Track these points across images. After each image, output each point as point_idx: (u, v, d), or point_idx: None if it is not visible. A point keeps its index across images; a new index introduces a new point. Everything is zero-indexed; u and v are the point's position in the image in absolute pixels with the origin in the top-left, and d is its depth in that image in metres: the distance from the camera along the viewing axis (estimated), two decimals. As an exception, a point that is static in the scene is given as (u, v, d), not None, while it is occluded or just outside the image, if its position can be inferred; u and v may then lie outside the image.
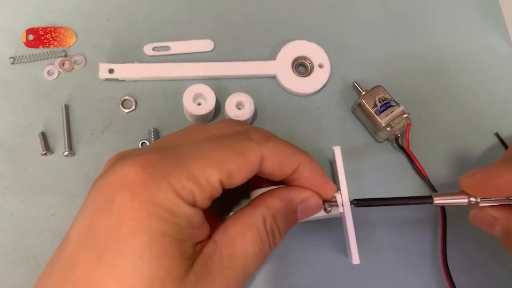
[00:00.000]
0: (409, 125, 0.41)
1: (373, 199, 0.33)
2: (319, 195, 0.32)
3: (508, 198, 0.31)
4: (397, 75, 0.45)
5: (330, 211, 0.32)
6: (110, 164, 0.29)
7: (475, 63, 0.47)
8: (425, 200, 0.32)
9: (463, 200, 0.32)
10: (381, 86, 0.41)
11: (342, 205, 0.32)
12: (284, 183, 0.32)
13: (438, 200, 0.32)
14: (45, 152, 0.40)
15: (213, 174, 0.26)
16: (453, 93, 0.45)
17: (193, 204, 0.26)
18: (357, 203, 0.32)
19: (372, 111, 0.41)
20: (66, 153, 0.40)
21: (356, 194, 0.33)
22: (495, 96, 0.45)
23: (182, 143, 0.28)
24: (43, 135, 0.41)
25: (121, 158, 0.27)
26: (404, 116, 0.40)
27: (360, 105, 0.41)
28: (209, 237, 0.27)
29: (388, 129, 0.40)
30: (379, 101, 0.41)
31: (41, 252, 0.38)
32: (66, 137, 0.41)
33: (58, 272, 0.25)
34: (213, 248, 0.27)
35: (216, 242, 0.27)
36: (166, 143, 0.29)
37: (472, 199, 0.32)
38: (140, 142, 0.41)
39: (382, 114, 0.40)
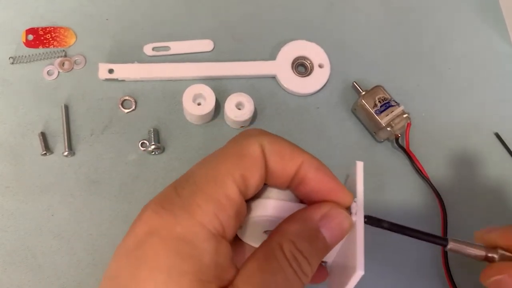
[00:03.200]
0: (409, 125, 0.41)
1: (385, 221, 0.30)
2: (343, 208, 0.27)
3: None
4: (397, 75, 0.45)
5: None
6: (140, 212, 0.27)
7: (475, 63, 0.47)
8: (440, 241, 0.30)
9: (479, 253, 0.30)
10: (381, 86, 0.41)
11: (355, 213, 0.28)
12: (293, 191, 0.29)
13: (453, 246, 0.30)
14: (45, 152, 0.40)
15: (229, 187, 0.24)
16: (453, 93, 0.45)
17: (220, 232, 0.24)
18: (367, 220, 0.28)
19: (372, 111, 0.41)
20: (66, 153, 0.40)
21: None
22: (495, 96, 0.45)
23: (193, 168, 0.27)
24: (43, 135, 0.41)
25: (148, 204, 0.26)
26: (404, 116, 0.40)
27: (360, 105, 0.41)
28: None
29: (388, 129, 0.40)
30: (379, 101, 0.41)
31: (40, 252, 0.38)
32: (66, 137, 0.41)
33: None
34: None
35: (234, 284, 0.24)
36: (186, 173, 0.27)
37: (489, 254, 0.30)
38: (140, 142, 0.41)
39: (382, 114, 0.40)
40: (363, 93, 0.41)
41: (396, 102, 0.41)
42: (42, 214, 0.39)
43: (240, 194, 0.25)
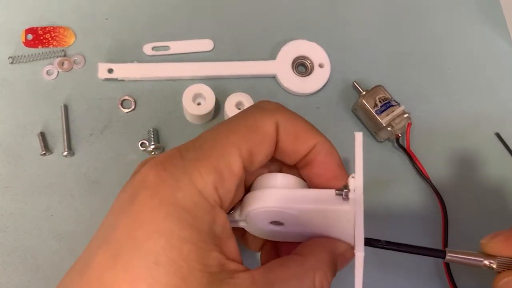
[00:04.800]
0: (409, 125, 0.41)
1: (382, 241, 0.30)
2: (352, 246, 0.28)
3: None
4: (397, 75, 0.45)
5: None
6: (137, 168, 0.27)
7: (475, 63, 0.47)
8: (437, 254, 0.30)
9: (477, 262, 0.29)
10: (382, 86, 0.41)
11: (354, 190, 0.26)
12: (297, 169, 0.29)
13: (451, 257, 0.29)
14: (44, 152, 0.40)
15: (233, 159, 0.24)
16: (453, 93, 0.45)
17: (218, 203, 0.24)
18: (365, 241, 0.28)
19: (373, 111, 0.41)
20: (65, 153, 0.40)
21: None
22: (495, 96, 0.45)
23: (202, 133, 0.26)
24: (42, 135, 0.40)
25: (149, 160, 0.26)
26: (405, 116, 0.40)
27: (360, 105, 0.41)
28: (241, 264, 0.24)
29: (388, 129, 0.40)
30: (380, 101, 0.41)
31: (40, 252, 0.38)
32: (65, 137, 0.40)
33: (75, 270, 0.24)
34: (249, 281, 0.23)
35: (254, 278, 0.23)
36: (196, 138, 0.27)
37: (486, 262, 0.29)
38: (140, 142, 0.41)
39: (383, 114, 0.40)
40: (364, 93, 0.41)
41: (396, 102, 0.41)
42: (42, 214, 0.39)
43: (243, 168, 0.25)
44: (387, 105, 0.40)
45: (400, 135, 0.41)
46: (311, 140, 0.27)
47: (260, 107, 0.27)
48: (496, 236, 0.29)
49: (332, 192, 0.26)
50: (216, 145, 0.25)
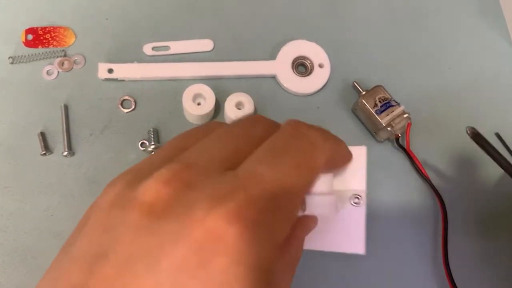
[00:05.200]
0: (409, 125, 0.41)
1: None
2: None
3: None
4: (397, 75, 0.45)
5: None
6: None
7: (475, 63, 0.47)
8: None
9: None
10: (381, 86, 0.41)
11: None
12: None
13: None
14: (44, 152, 0.40)
15: None
16: (453, 92, 0.45)
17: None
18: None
19: (373, 111, 0.41)
20: (65, 153, 0.40)
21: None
22: (495, 96, 0.45)
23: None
24: (43, 135, 0.41)
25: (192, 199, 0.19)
26: (405, 116, 0.40)
27: (360, 105, 0.41)
28: None
29: (388, 129, 0.40)
30: (379, 101, 0.41)
31: (40, 252, 0.38)
32: (65, 137, 0.40)
33: None
34: None
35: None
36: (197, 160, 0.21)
37: None
38: (140, 142, 0.41)
39: (383, 114, 0.40)
40: (363, 93, 0.41)
41: (396, 102, 0.41)
42: (42, 214, 0.39)
43: None
44: (387, 105, 0.40)
45: (400, 135, 0.41)
46: (346, 162, 0.28)
47: (310, 142, 0.23)
48: None
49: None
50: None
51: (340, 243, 0.31)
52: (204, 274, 0.17)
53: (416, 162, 0.41)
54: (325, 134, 0.25)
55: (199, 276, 0.17)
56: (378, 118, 0.40)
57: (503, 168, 0.30)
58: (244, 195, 0.19)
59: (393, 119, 0.40)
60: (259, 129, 0.25)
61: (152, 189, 0.18)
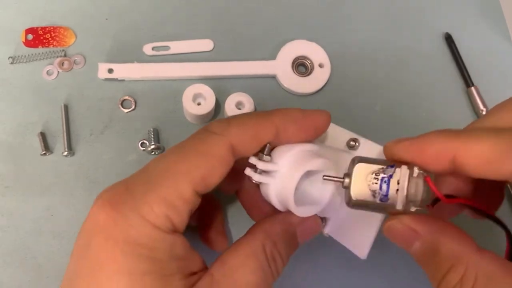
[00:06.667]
0: (428, 180, 0.24)
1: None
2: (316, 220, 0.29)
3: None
4: (397, 75, 0.45)
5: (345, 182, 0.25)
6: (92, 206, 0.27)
7: (475, 63, 0.46)
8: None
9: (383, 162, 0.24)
10: (358, 157, 0.26)
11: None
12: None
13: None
14: (44, 152, 0.40)
15: (184, 188, 0.24)
16: (453, 92, 0.45)
17: (173, 230, 0.24)
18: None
19: (377, 201, 0.25)
20: (65, 153, 0.40)
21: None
22: (495, 95, 0.45)
23: (150, 163, 0.27)
24: (43, 135, 0.41)
25: (99, 197, 0.26)
26: (415, 175, 0.24)
27: (356, 203, 0.26)
28: (204, 268, 0.26)
29: (412, 209, 0.25)
30: (375, 179, 0.25)
31: (40, 252, 0.38)
32: (65, 137, 0.40)
33: None
34: (209, 282, 0.24)
35: (213, 275, 0.25)
36: (142, 168, 0.27)
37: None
38: (140, 142, 0.41)
39: (390, 193, 0.25)
40: (347, 183, 0.26)
41: (390, 166, 0.25)
42: (42, 214, 0.39)
43: (196, 194, 0.25)
44: (384, 179, 0.25)
45: (430, 201, 0.26)
46: (269, 129, 0.28)
47: (208, 131, 0.27)
48: (401, 140, 0.25)
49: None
50: (165, 176, 0.25)
51: (347, 238, 0.31)
52: (89, 252, 0.23)
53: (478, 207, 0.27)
54: (228, 119, 0.28)
55: (86, 255, 0.24)
56: (389, 205, 0.25)
57: None
58: (124, 186, 0.25)
59: (407, 193, 0.24)
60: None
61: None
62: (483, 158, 0.22)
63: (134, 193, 0.24)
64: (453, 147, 0.23)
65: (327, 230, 0.31)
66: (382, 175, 0.25)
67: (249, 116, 0.29)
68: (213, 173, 0.25)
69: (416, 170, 0.24)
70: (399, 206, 0.24)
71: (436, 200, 0.25)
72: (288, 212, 0.28)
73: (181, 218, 0.25)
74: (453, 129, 0.24)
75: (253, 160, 0.28)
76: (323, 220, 0.31)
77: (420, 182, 0.24)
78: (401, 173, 0.24)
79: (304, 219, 0.28)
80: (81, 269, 0.24)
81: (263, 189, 0.29)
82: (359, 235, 0.30)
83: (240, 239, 0.27)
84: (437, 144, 0.23)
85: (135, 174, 0.26)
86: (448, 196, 0.25)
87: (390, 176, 0.24)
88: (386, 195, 0.24)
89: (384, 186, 0.24)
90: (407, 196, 0.24)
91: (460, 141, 0.23)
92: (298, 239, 0.29)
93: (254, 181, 0.28)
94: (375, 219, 0.29)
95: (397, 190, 0.24)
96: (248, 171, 0.28)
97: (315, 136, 0.30)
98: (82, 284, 0.23)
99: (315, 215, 0.29)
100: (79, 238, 0.25)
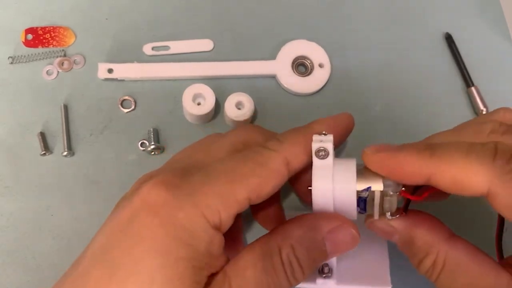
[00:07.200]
0: (404, 194, 0.27)
1: None
2: (354, 225, 0.27)
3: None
4: (397, 75, 0.45)
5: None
6: (136, 186, 0.28)
7: (475, 63, 0.46)
8: None
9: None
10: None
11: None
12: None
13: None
14: (44, 152, 0.40)
15: (240, 191, 0.25)
16: (453, 92, 0.45)
17: (217, 226, 0.25)
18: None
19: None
20: (65, 153, 0.40)
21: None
22: (495, 96, 0.45)
23: (205, 160, 0.28)
24: (42, 135, 0.41)
25: (148, 179, 0.26)
26: (389, 197, 0.26)
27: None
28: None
29: (388, 216, 0.27)
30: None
31: (40, 252, 0.38)
32: (65, 137, 0.40)
33: (69, 285, 0.25)
34: (222, 278, 0.25)
35: (226, 272, 0.25)
36: (188, 160, 0.29)
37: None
38: (140, 142, 0.41)
39: (368, 208, 0.28)
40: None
41: (365, 189, 0.27)
42: (42, 214, 0.39)
43: (247, 200, 0.25)
44: (361, 199, 0.27)
45: (402, 209, 0.28)
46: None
47: (266, 147, 0.28)
48: (380, 150, 0.26)
49: None
50: (223, 175, 0.26)
51: (363, 278, 0.30)
52: (130, 227, 0.24)
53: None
54: (281, 137, 0.30)
55: (127, 229, 0.24)
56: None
57: None
58: (181, 173, 0.26)
59: (381, 206, 0.27)
60: (237, 135, 0.33)
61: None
62: (456, 182, 0.23)
63: (192, 182, 0.25)
64: (428, 169, 0.24)
65: (335, 281, 0.28)
66: (360, 195, 0.27)
67: (295, 132, 0.30)
68: (268, 183, 0.26)
69: (390, 192, 0.26)
70: (376, 217, 0.28)
71: (408, 205, 0.28)
72: (315, 216, 0.27)
73: (228, 218, 0.25)
74: (429, 145, 0.25)
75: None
76: (324, 272, 0.28)
77: (394, 199, 0.27)
78: (375, 195, 0.27)
79: (335, 229, 0.26)
80: (119, 242, 0.24)
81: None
82: (372, 267, 0.30)
83: (258, 238, 0.27)
84: (411, 166, 0.25)
85: (191, 166, 0.27)
86: (416, 189, 0.27)
87: (366, 197, 0.27)
88: (364, 209, 0.28)
89: (362, 204, 0.27)
90: (381, 213, 0.27)
91: (434, 165, 0.24)
92: (326, 249, 0.26)
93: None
94: (380, 244, 0.30)
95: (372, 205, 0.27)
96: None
97: (347, 136, 0.33)
98: (118, 254, 0.23)
99: (351, 229, 0.27)
100: (121, 211, 0.25)
